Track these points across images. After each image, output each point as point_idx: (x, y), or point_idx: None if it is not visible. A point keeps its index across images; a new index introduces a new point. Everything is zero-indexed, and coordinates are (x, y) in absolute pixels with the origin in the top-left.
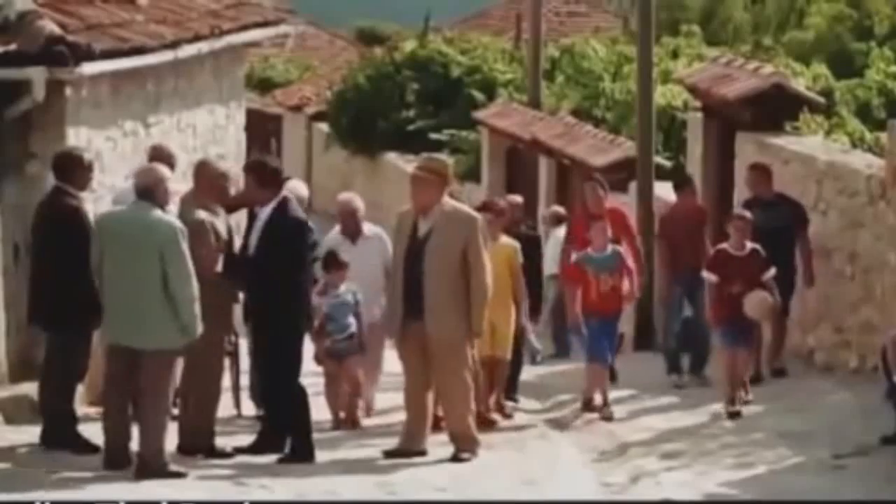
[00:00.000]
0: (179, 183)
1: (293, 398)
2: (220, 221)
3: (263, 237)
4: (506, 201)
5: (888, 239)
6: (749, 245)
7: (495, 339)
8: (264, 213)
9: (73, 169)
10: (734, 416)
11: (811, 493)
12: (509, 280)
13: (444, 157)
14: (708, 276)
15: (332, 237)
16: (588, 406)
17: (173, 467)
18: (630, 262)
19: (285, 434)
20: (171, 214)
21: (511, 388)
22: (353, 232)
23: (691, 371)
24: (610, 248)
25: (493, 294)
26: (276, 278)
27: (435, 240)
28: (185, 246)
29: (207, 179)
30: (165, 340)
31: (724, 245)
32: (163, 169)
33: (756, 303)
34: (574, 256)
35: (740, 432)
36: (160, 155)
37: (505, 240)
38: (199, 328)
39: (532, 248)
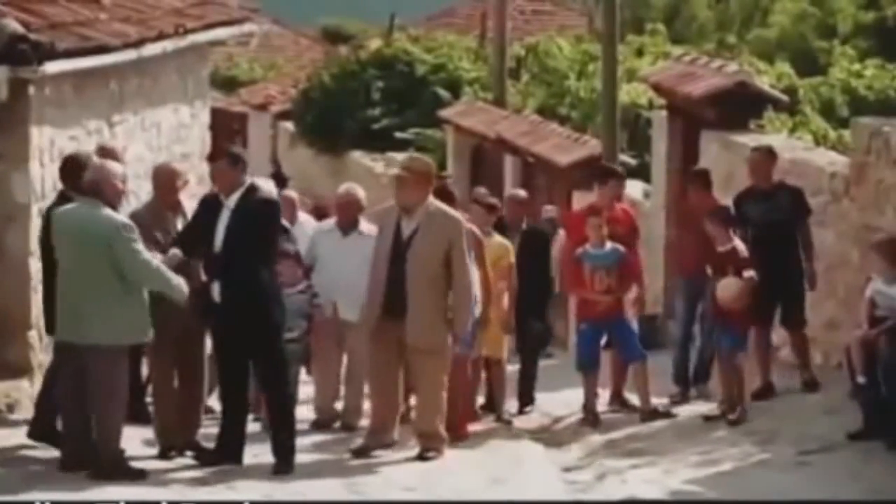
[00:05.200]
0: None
1: (288, 402)
2: (173, 225)
3: (232, 224)
4: (508, 198)
5: (851, 237)
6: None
7: (486, 340)
8: (232, 200)
9: (81, 174)
10: (733, 423)
11: (776, 489)
12: (498, 279)
13: (426, 157)
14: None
15: (324, 227)
16: (588, 418)
17: (134, 467)
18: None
19: (290, 443)
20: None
21: (527, 394)
22: (348, 224)
23: (695, 381)
24: (609, 245)
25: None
26: (247, 267)
27: (419, 241)
28: (133, 238)
29: (165, 183)
30: (107, 335)
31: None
32: (113, 166)
33: (722, 286)
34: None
35: (706, 430)
36: (106, 156)
37: (496, 238)
38: (183, 288)
39: (537, 245)
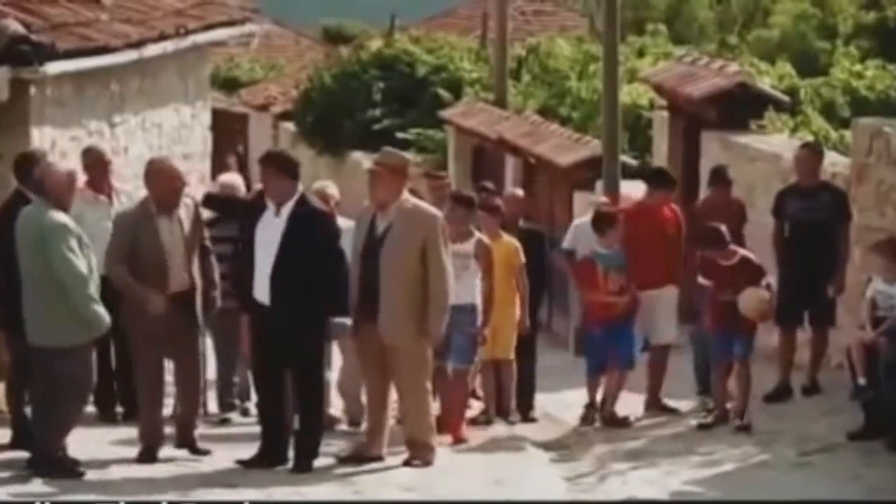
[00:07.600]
0: (127, 182)
1: (318, 408)
2: (166, 223)
3: (289, 233)
4: (504, 197)
5: (852, 237)
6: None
7: (497, 342)
8: (286, 208)
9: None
10: (743, 429)
11: (777, 489)
12: (509, 280)
13: (401, 152)
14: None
15: None
16: (589, 418)
17: (70, 461)
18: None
19: (313, 446)
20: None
21: (527, 395)
22: None
23: None
24: (617, 246)
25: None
26: (313, 274)
27: (392, 239)
28: (66, 240)
29: (159, 180)
30: (50, 337)
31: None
32: (57, 167)
33: (743, 300)
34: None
35: (707, 431)
36: (89, 157)
37: (505, 238)
38: (102, 322)
39: (533, 244)
